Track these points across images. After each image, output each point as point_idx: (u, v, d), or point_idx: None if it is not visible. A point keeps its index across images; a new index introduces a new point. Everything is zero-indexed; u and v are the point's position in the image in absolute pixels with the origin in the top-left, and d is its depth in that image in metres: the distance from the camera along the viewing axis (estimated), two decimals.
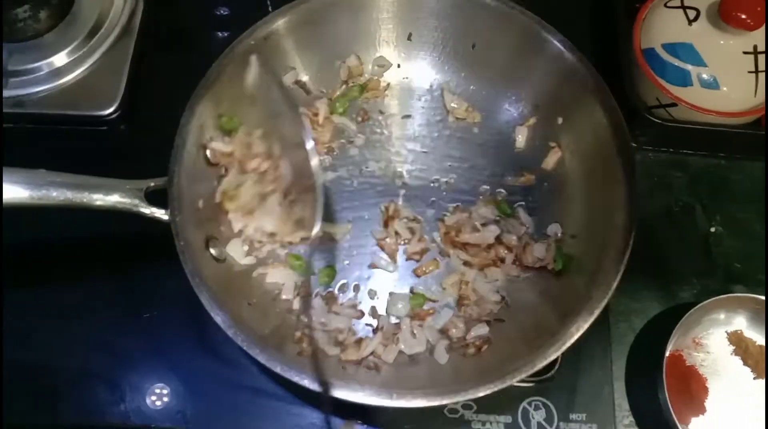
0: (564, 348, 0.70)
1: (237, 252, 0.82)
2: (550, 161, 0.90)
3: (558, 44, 0.85)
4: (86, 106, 0.96)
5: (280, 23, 0.86)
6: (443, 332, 0.80)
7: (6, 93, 0.96)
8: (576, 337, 0.70)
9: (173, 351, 0.84)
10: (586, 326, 0.71)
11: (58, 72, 0.97)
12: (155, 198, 0.75)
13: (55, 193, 0.70)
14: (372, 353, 0.77)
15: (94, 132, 0.97)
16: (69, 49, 0.98)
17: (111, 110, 0.95)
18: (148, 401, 0.81)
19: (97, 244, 0.89)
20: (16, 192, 0.68)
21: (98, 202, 0.72)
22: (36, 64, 0.97)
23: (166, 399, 0.82)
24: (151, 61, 1.02)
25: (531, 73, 0.90)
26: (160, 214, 0.74)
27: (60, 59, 0.98)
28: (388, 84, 0.95)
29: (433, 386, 0.70)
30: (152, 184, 0.75)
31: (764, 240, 0.92)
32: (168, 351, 0.84)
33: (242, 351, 0.69)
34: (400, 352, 0.78)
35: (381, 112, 0.94)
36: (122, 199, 0.73)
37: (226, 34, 1.05)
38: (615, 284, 0.73)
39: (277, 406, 0.81)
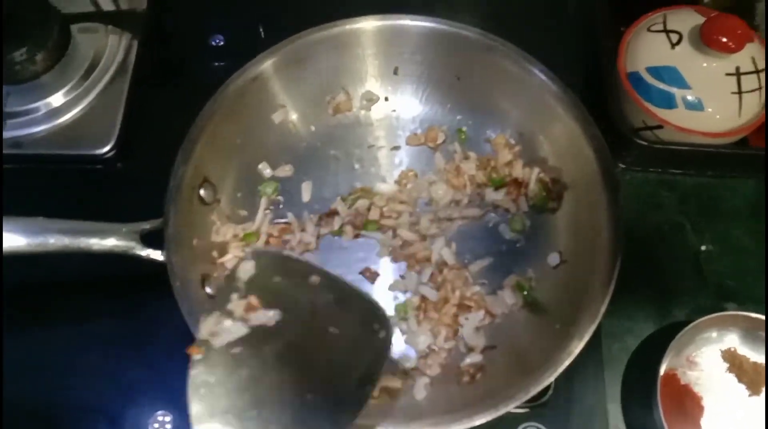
0: (557, 374, 0.70)
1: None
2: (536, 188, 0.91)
3: (539, 74, 0.87)
4: (83, 145, 0.98)
5: (267, 64, 0.87)
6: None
7: (4, 134, 0.97)
8: (568, 362, 0.71)
9: (174, 382, 0.83)
10: (576, 351, 0.71)
11: (55, 112, 0.99)
12: (151, 239, 0.77)
13: (52, 240, 0.71)
14: None
15: (91, 170, 0.98)
16: (65, 89, 1.00)
17: (107, 149, 0.97)
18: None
19: (97, 280, 0.91)
20: (13, 240, 0.70)
21: (95, 247, 0.73)
22: (33, 105, 0.99)
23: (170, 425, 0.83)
24: (146, 97, 1.03)
25: (514, 102, 0.91)
26: (156, 255, 0.75)
27: (57, 99, 1.00)
28: None
29: (429, 416, 0.71)
30: (148, 226, 0.76)
31: (755, 256, 0.93)
32: (168, 382, 0.85)
33: None
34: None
35: (370, 146, 0.96)
36: (119, 243, 0.74)
37: (221, 64, 1.08)
38: (604, 308, 0.73)
39: None
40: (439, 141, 0.95)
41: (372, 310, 0.66)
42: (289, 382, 0.63)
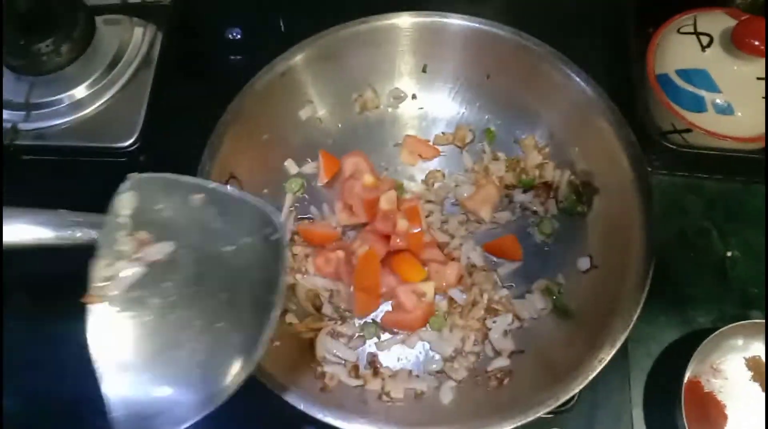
0: (588, 380, 0.70)
1: None
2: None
3: (572, 74, 0.86)
4: (106, 137, 0.98)
5: (297, 59, 0.87)
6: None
7: (27, 125, 0.98)
8: (599, 369, 0.71)
9: None
10: (608, 358, 0.71)
11: (79, 104, 1.00)
12: None
13: (79, 234, 0.70)
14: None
15: (114, 163, 0.98)
16: (89, 81, 1.00)
17: (130, 142, 0.97)
18: None
19: None
20: (42, 233, 0.69)
21: None
22: (57, 97, 0.99)
23: None
24: (168, 91, 1.03)
25: (545, 102, 0.91)
26: None
27: (80, 92, 1.00)
28: None
29: (455, 421, 0.71)
30: None
31: None
32: None
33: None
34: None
35: (396, 144, 0.96)
36: None
37: (238, 58, 1.07)
38: (637, 314, 0.73)
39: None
40: (467, 140, 0.95)
41: (260, 214, 0.62)
42: (197, 316, 0.59)
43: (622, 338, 0.71)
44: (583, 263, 0.86)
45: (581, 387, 0.70)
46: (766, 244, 0.93)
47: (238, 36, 1.09)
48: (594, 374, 0.70)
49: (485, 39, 0.89)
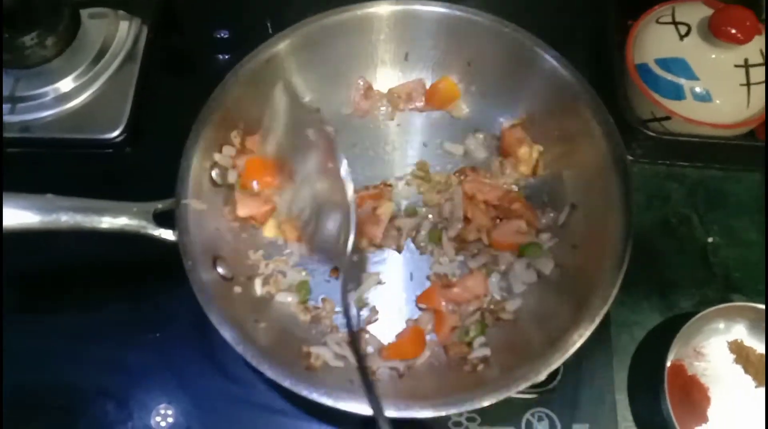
0: (567, 355, 0.70)
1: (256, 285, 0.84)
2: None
3: (552, 60, 0.87)
4: (92, 129, 0.98)
5: (281, 46, 0.88)
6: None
7: (13, 118, 0.98)
8: (579, 344, 0.71)
9: (181, 369, 0.85)
10: (587, 333, 0.71)
11: (65, 97, 1.00)
12: (163, 220, 0.76)
13: (64, 218, 0.71)
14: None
15: (100, 155, 0.98)
16: (75, 74, 1.00)
17: (116, 133, 0.97)
18: (155, 419, 0.83)
19: (105, 267, 0.91)
20: (26, 217, 0.69)
21: (107, 225, 0.73)
22: (43, 90, 0.99)
23: (172, 418, 0.83)
24: (154, 84, 1.04)
25: (526, 88, 0.91)
26: (168, 235, 0.75)
27: (66, 84, 1.00)
28: None
29: (436, 397, 0.70)
30: (160, 205, 0.76)
31: (761, 249, 0.93)
32: (175, 369, 0.85)
33: (250, 367, 0.71)
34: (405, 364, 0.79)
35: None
36: (130, 222, 0.74)
37: (227, 57, 1.08)
38: (615, 291, 0.73)
39: (284, 422, 0.82)
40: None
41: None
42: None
43: (601, 314, 0.72)
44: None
45: (562, 361, 0.70)
46: (766, 233, 0.94)
47: (226, 35, 1.10)
48: (573, 350, 0.70)
49: (465, 26, 0.90)
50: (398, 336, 0.83)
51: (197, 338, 0.85)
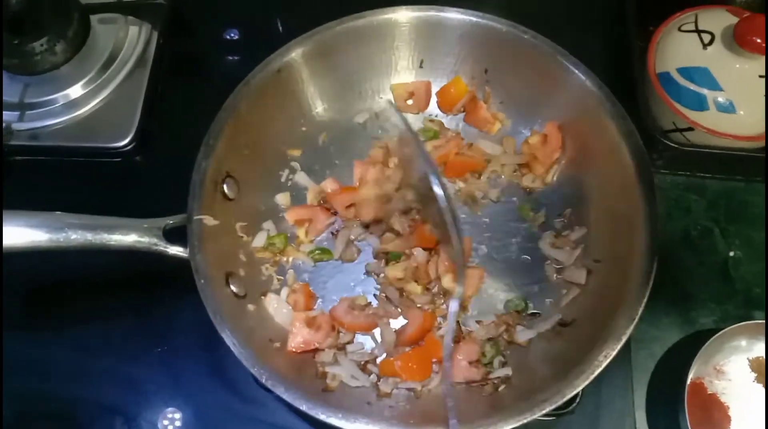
0: (593, 376, 0.69)
1: (271, 306, 0.83)
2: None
3: (572, 68, 0.85)
4: (101, 137, 0.97)
5: (293, 55, 0.86)
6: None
7: (22, 125, 0.97)
8: (605, 364, 0.69)
9: (186, 383, 0.85)
10: (613, 353, 0.69)
11: (74, 104, 0.99)
12: (173, 235, 0.75)
13: (74, 236, 0.70)
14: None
15: (109, 164, 0.97)
16: (84, 81, 0.99)
17: (126, 142, 0.96)
18: None
19: (114, 280, 0.90)
20: (35, 235, 0.68)
21: (117, 243, 0.72)
22: (52, 97, 0.99)
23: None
24: (164, 91, 1.02)
25: (545, 97, 0.89)
26: (179, 251, 0.74)
27: (75, 91, 0.99)
28: None
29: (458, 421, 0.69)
30: (170, 221, 0.75)
31: None
32: (182, 383, 0.85)
33: (260, 384, 0.69)
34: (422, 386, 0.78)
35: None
36: (141, 239, 0.73)
37: (236, 58, 1.07)
38: (641, 309, 0.71)
39: None
40: None
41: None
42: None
43: (628, 333, 0.70)
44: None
45: (586, 383, 0.68)
46: (766, 242, 0.92)
47: (236, 37, 1.08)
48: (600, 370, 0.68)
49: (483, 33, 0.88)
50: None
51: (205, 352, 0.85)
